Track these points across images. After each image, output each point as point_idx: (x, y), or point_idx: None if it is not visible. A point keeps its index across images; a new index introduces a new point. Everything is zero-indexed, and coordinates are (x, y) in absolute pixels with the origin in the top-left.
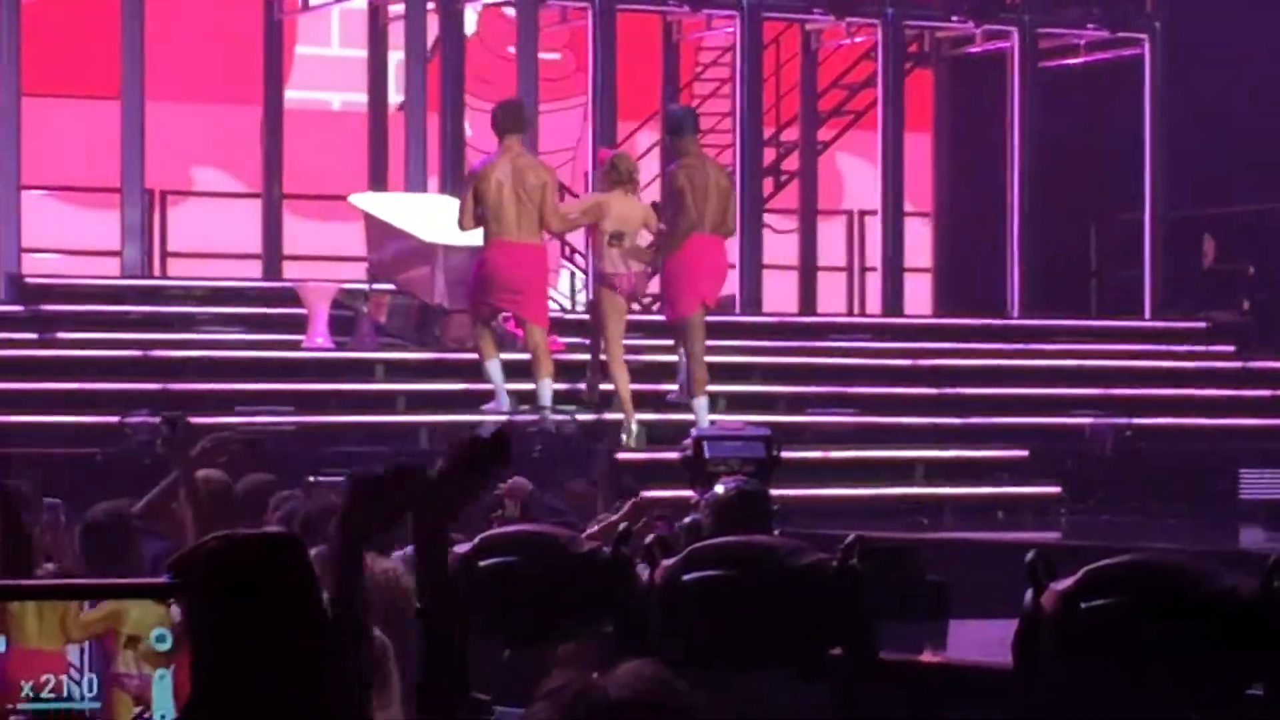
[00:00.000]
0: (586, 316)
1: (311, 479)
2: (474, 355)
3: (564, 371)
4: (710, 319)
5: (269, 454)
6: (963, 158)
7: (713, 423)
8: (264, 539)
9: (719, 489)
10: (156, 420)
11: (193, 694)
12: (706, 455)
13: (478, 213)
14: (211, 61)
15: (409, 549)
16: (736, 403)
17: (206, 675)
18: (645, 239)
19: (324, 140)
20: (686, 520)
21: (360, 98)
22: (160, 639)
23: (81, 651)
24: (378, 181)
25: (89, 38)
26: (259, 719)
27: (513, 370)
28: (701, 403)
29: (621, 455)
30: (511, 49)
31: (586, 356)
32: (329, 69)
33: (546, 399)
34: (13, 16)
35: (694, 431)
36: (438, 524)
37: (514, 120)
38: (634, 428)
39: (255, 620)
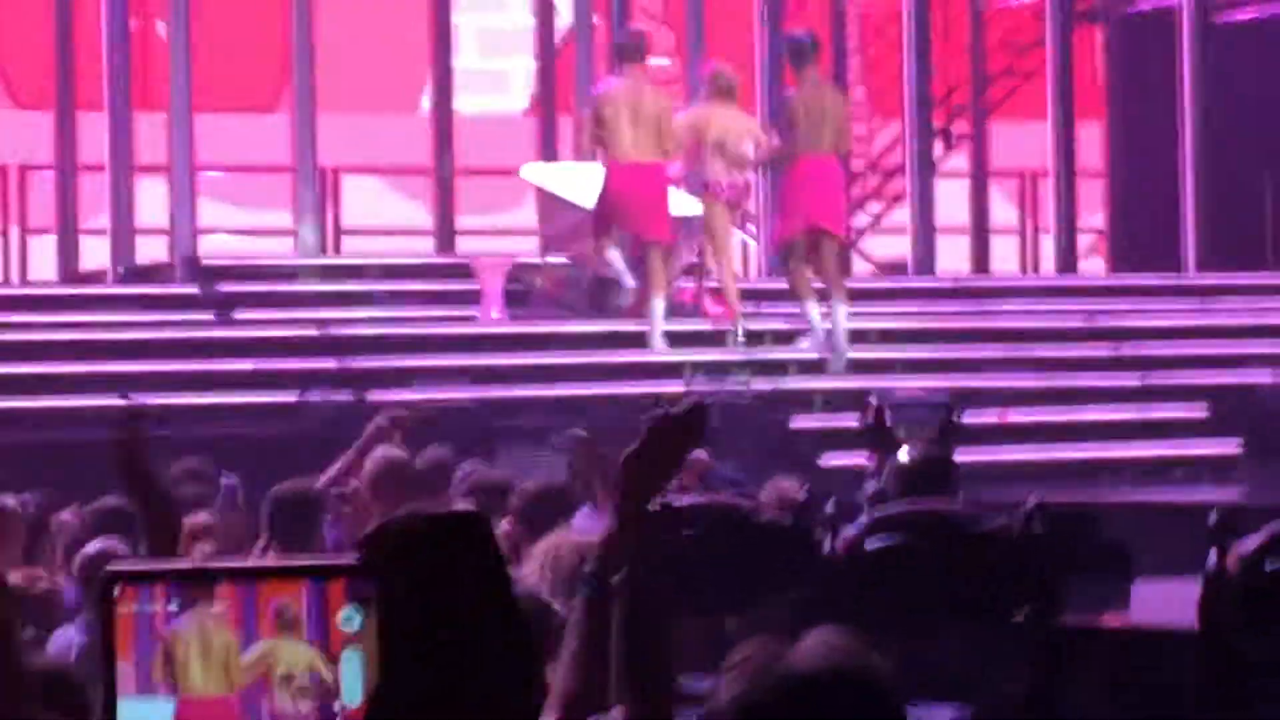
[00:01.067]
0: (757, 285)
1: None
2: (643, 325)
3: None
4: (885, 283)
5: (446, 429)
6: (1134, 115)
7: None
8: (452, 518)
9: (903, 455)
10: (334, 398)
11: (381, 675)
12: (889, 422)
13: (598, 134)
14: (379, 36)
15: (584, 510)
16: (912, 366)
17: (394, 656)
18: (748, 151)
19: (494, 113)
20: (870, 487)
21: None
22: (348, 619)
23: (242, 698)
24: (548, 152)
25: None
26: (449, 699)
27: (680, 339)
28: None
29: (796, 424)
30: None
31: (757, 326)
32: (498, 39)
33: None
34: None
35: (873, 399)
36: (640, 503)
37: (634, 50)
38: (740, 333)
39: (443, 600)
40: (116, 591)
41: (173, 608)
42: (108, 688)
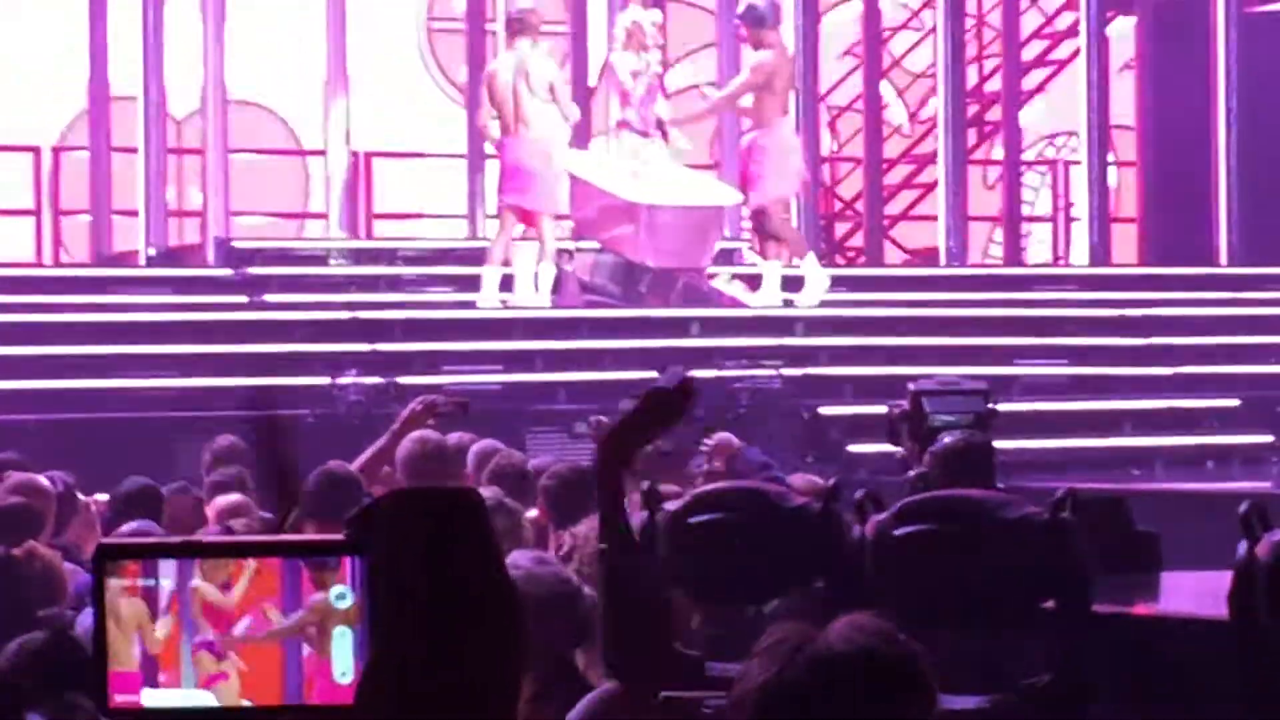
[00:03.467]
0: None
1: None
2: (674, 311)
3: (769, 326)
4: (919, 271)
5: (477, 413)
6: (1167, 105)
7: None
8: (440, 493)
9: (945, 440)
10: (366, 382)
11: (372, 653)
12: (926, 409)
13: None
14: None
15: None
16: (944, 355)
17: (384, 633)
18: None
19: None
20: (910, 474)
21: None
22: (340, 596)
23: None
24: (580, 139)
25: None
26: (439, 679)
27: (722, 327)
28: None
29: (824, 410)
30: None
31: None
32: None
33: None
34: None
35: (911, 386)
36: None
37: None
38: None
39: (432, 576)
40: (108, 567)
41: (166, 582)
42: (98, 662)
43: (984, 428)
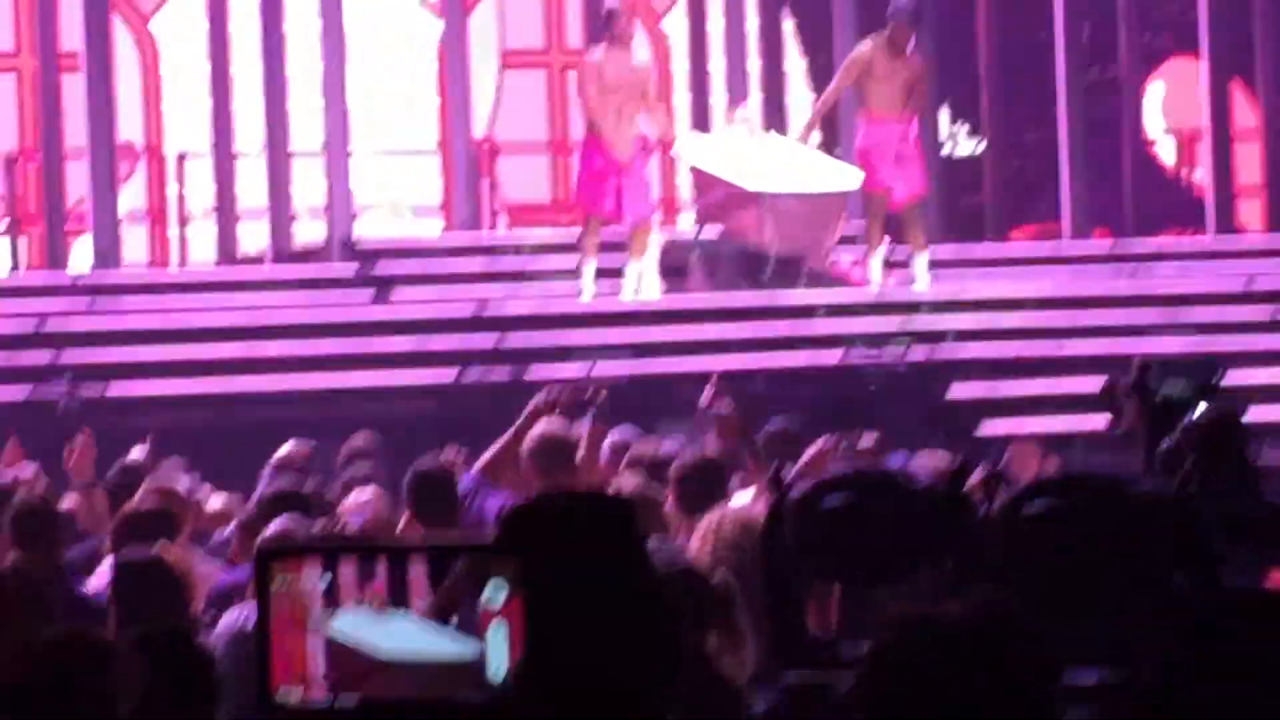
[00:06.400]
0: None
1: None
2: (798, 297)
3: (895, 308)
4: (1041, 248)
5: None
6: None
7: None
8: (590, 499)
9: (1198, 415)
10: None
11: (525, 651)
12: (1152, 385)
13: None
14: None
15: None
16: (1067, 333)
17: (537, 632)
18: None
19: None
20: (1165, 445)
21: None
22: (493, 595)
23: None
24: (699, 121)
25: None
26: (589, 673)
27: (848, 311)
28: None
29: (954, 393)
30: None
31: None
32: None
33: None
34: None
35: (1137, 359)
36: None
37: None
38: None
39: (581, 579)
40: (270, 570)
41: (323, 584)
42: (261, 665)
43: (1213, 399)
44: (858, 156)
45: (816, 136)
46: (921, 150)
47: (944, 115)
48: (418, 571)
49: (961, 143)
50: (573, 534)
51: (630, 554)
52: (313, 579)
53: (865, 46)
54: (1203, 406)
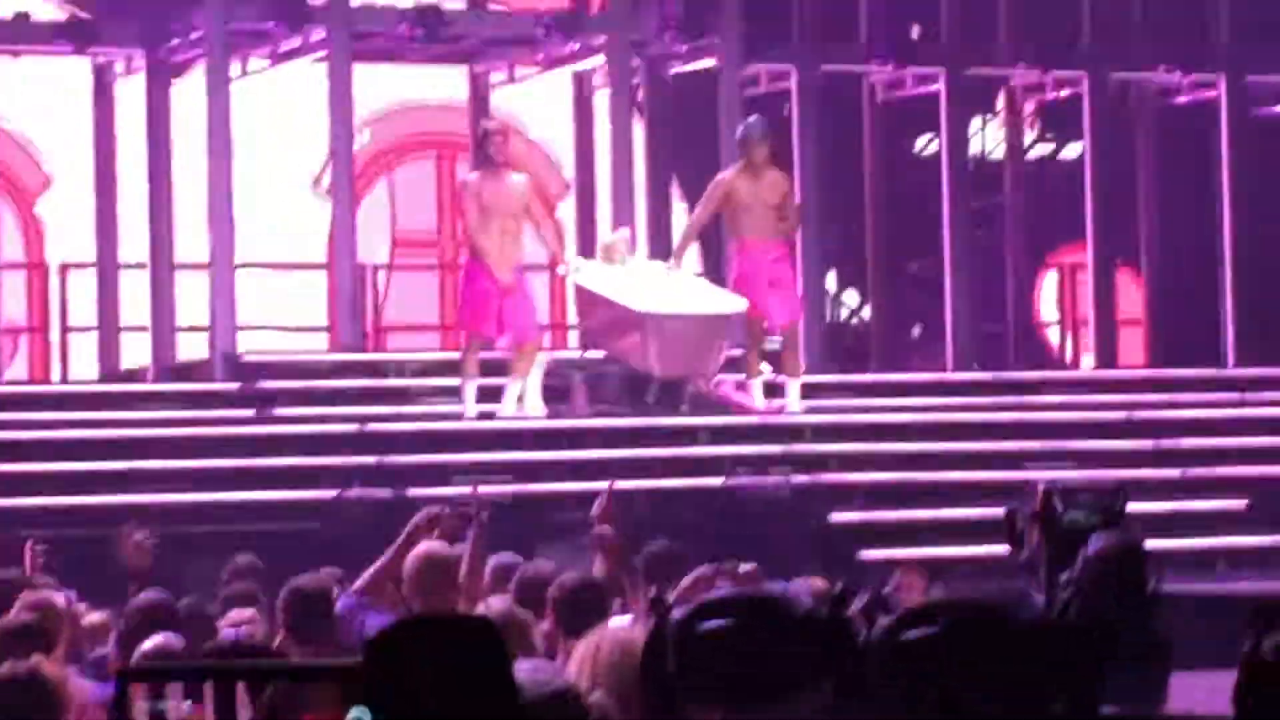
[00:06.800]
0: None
1: None
2: (681, 420)
3: (778, 433)
4: (924, 376)
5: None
6: (1172, 208)
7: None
8: (457, 623)
9: (1095, 544)
10: (374, 494)
11: None
12: (1059, 509)
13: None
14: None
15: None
16: (954, 461)
17: None
18: None
19: None
20: (1064, 589)
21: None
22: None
23: None
24: (586, 249)
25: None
26: None
27: (721, 434)
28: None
29: (836, 518)
30: None
31: (796, 419)
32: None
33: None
34: (222, 102)
35: (1040, 485)
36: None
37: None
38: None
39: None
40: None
41: (186, 705)
42: None
43: (1117, 527)
44: (734, 284)
45: (688, 263)
46: (794, 273)
47: (831, 278)
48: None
49: (847, 303)
50: (435, 659)
51: (493, 677)
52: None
53: (726, 173)
54: (1103, 534)
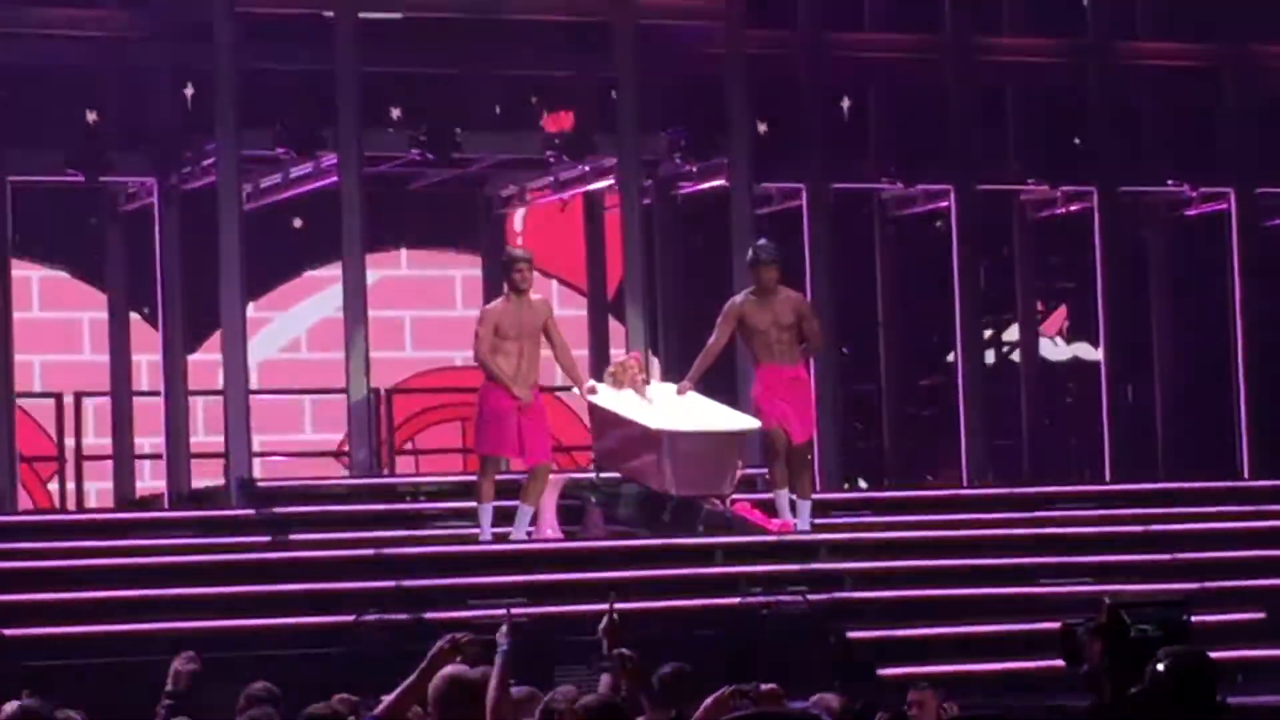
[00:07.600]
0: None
1: None
2: (698, 540)
3: (791, 552)
4: (938, 491)
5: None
6: (1186, 318)
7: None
8: None
9: (1164, 657)
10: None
11: None
12: (1128, 621)
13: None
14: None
15: None
16: (965, 577)
17: None
18: None
19: None
20: (1134, 703)
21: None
22: None
23: None
24: (599, 371)
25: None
26: None
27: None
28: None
29: (853, 634)
30: None
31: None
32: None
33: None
34: (232, 226)
35: (1106, 599)
36: None
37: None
38: None
39: None
40: None
41: None
42: None
43: (1183, 640)
44: (753, 402)
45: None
46: (809, 393)
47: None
48: None
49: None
50: None
51: None
52: None
53: (737, 297)
54: (1171, 647)
